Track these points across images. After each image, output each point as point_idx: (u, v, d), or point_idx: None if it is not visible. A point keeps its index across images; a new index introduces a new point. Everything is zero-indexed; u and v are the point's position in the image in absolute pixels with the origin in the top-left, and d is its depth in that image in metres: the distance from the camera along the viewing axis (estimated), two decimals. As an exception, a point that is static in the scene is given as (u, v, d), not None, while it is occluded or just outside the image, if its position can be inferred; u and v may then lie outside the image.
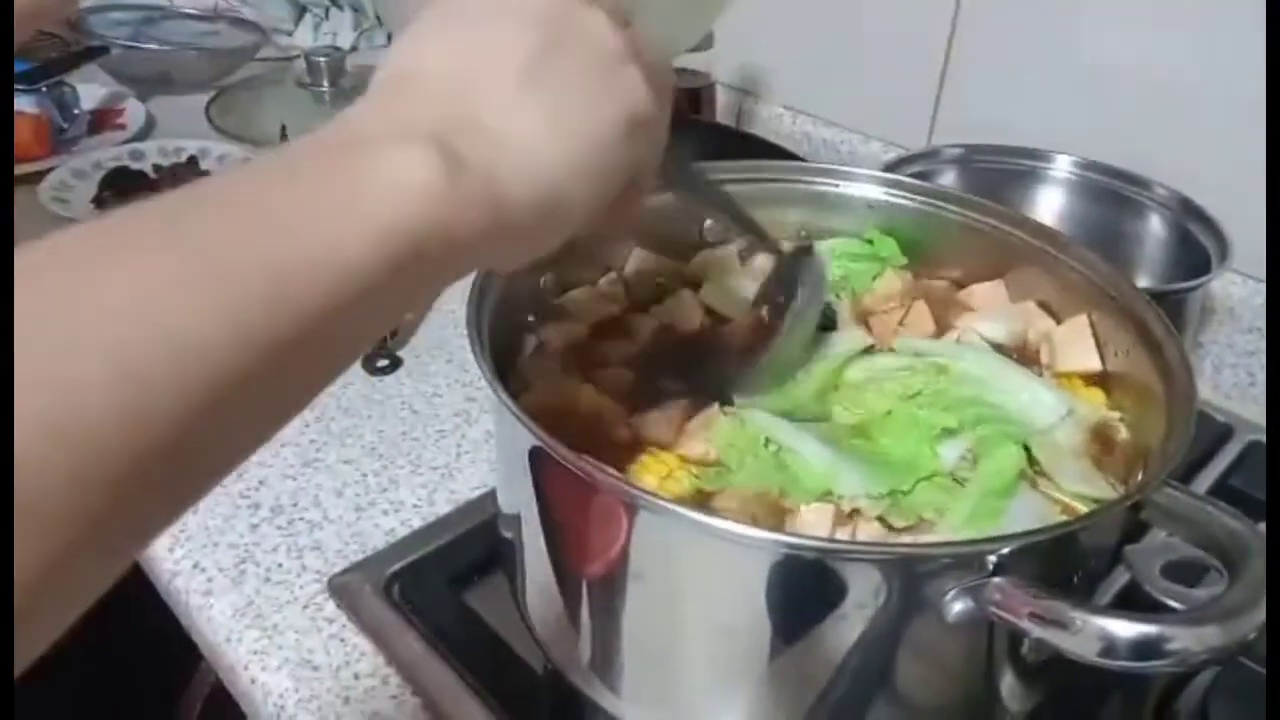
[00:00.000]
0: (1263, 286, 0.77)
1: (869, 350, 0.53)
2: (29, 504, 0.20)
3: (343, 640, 0.55)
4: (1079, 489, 0.43)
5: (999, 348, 0.54)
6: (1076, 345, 0.53)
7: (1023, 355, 0.54)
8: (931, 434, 0.46)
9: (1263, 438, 0.71)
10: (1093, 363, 0.52)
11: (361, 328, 0.29)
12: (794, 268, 0.51)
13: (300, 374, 0.27)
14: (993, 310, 0.57)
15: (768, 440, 0.45)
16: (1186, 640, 0.32)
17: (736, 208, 0.51)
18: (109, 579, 0.24)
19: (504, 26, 0.34)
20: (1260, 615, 0.32)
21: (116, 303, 0.23)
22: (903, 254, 0.60)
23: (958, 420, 0.46)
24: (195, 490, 0.26)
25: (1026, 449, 0.45)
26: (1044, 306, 0.56)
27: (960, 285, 0.60)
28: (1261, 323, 0.77)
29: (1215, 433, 0.72)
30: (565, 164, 0.33)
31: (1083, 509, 0.43)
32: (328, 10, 1.43)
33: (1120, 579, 0.53)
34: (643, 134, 0.36)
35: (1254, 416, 0.74)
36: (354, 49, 1.40)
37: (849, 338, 0.54)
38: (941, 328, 0.56)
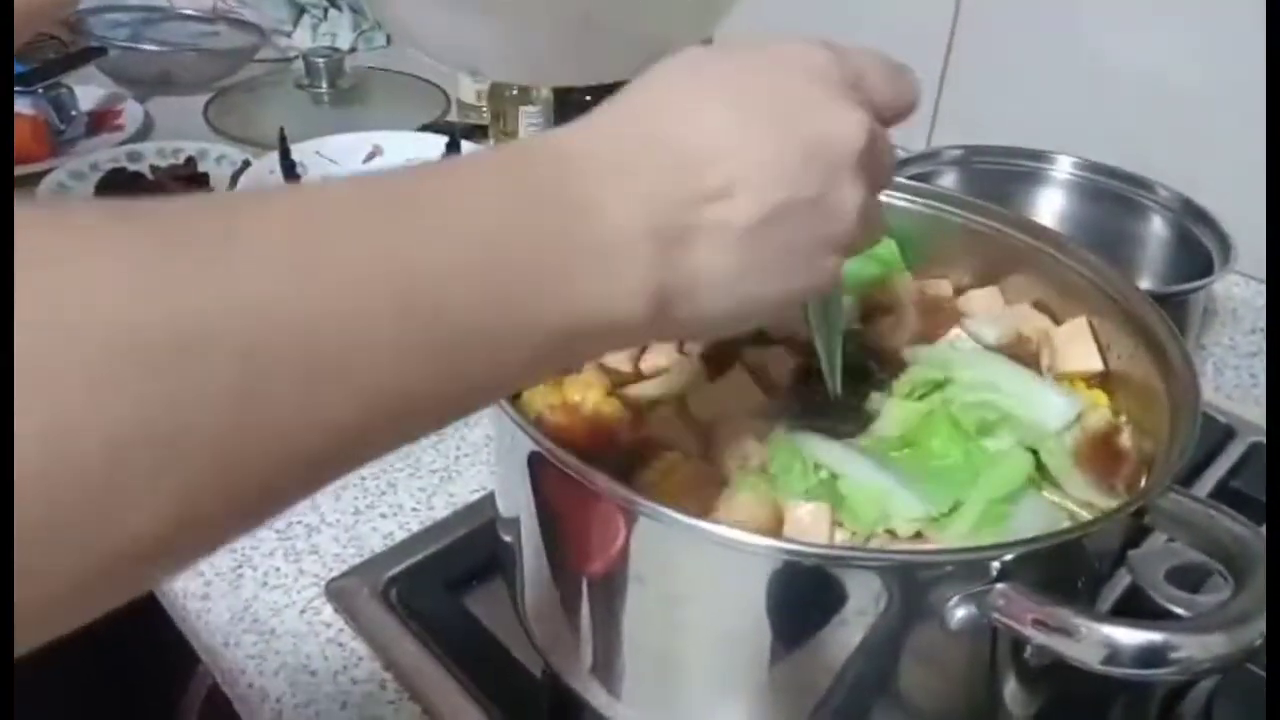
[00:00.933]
0: (1264, 288, 0.76)
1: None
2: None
3: (340, 645, 0.54)
4: (1085, 496, 0.43)
5: (993, 351, 0.54)
6: (1077, 347, 0.53)
7: (1019, 358, 0.54)
8: (974, 431, 0.45)
9: (1265, 439, 0.71)
10: (1094, 363, 0.52)
11: (484, 395, 0.30)
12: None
13: (408, 430, 0.28)
14: (988, 313, 0.56)
15: (817, 465, 0.44)
16: (1192, 648, 0.31)
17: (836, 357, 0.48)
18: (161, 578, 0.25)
19: (777, 136, 0.32)
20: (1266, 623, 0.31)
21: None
22: (902, 256, 0.60)
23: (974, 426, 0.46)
24: (260, 517, 0.25)
25: (1034, 454, 0.45)
26: (1044, 309, 0.56)
27: (959, 288, 0.59)
28: (1264, 323, 0.76)
29: (1217, 434, 0.71)
30: (735, 313, 0.33)
31: (1088, 515, 0.42)
32: (326, 11, 1.42)
33: (1122, 582, 0.53)
34: (811, 299, 0.36)
35: (1256, 418, 0.74)
36: (353, 50, 1.39)
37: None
38: (937, 332, 0.56)
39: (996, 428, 0.46)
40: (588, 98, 1.10)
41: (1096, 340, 0.52)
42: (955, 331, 0.55)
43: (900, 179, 0.61)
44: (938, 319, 0.56)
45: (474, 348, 0.26)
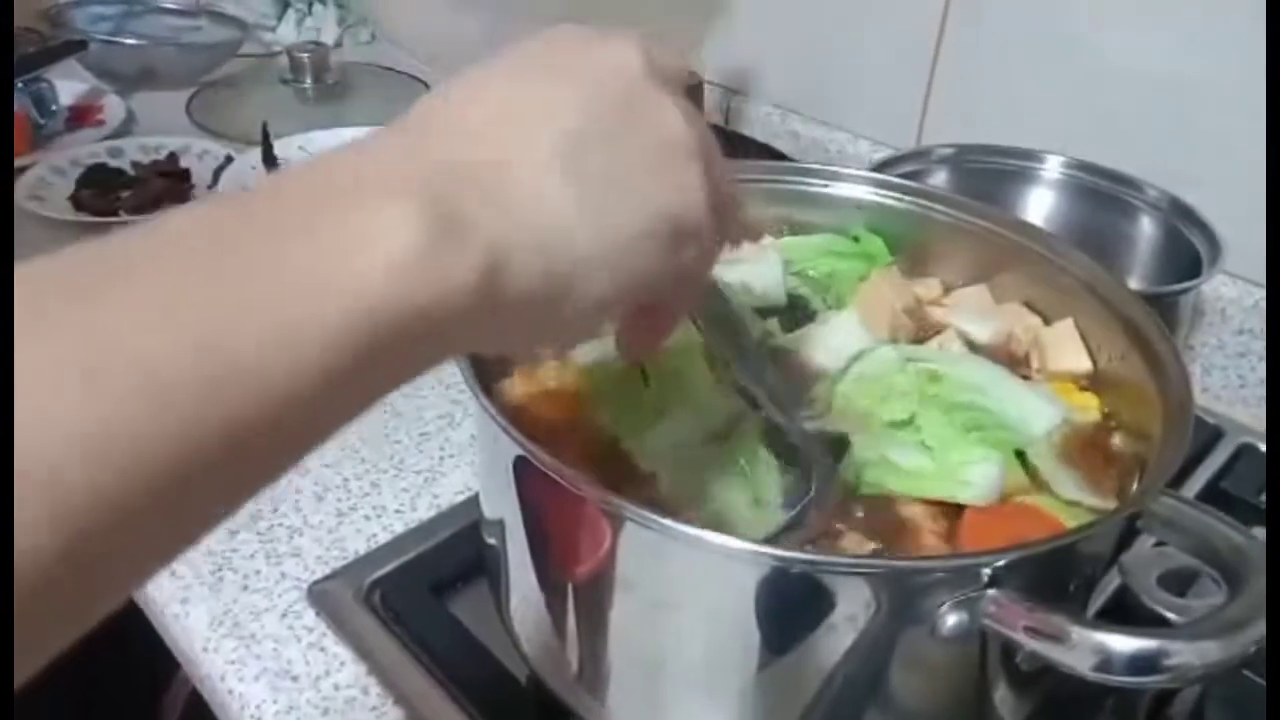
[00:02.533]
0: (1253, 288, 0.76)
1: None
2: None
3: (322, 649, 0.54)
4: (1075, 498, 0.42)
5: (982, 349, 0.53)
6: (1066, 348, 0.52)
7: (1008, 357, 0.53)
8: (966, 428, 0.45)
9: (1253, 440, 0.71)
10: (1083, 364, 0.51)
11: (303, 431, 0.24)
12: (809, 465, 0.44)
13: (214, 493, 0.23)
14: (976, 313, 0.56)
15: None
16: (1186, 655, 0.31)
17: (769, 382, 0.45)
18: None
19: (565, 85, 0.30)
20: (1261, 629, 0.31)
21: None
22: (891, 254, 0.59)
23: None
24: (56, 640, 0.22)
25: (1022, 457, 0.44)
26: (1034, 309, 0.56)
27: (949, 287, 0.59)
28: (1252, 324, 0.76)
29: (1205, 435, 0.71)
30: (586, 253, 0.28)
31: (1082, 518, 0.42)
32: (311, 6, 1.41)
33: (1112, 582, 0.53)
34: (688, 246, 0.31)
35: (1244, 419, 0.74)
36: (338, 45, 1.38)
37: (847, 331, 0.53)
38: (926, 331, 0.55)
39: (984, 428, 0.46)
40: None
41: (1085, 341, 0.52)
42: (943, 334, 0.54)
43: (890, 177, 0.60)
44: (927, 317, 0.56)
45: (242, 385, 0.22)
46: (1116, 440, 0.47)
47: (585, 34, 0.32)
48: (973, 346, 0.54)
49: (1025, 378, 0.52)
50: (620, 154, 0.29)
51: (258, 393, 0.22)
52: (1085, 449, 0.46)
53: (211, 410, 0.22)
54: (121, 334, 0.21)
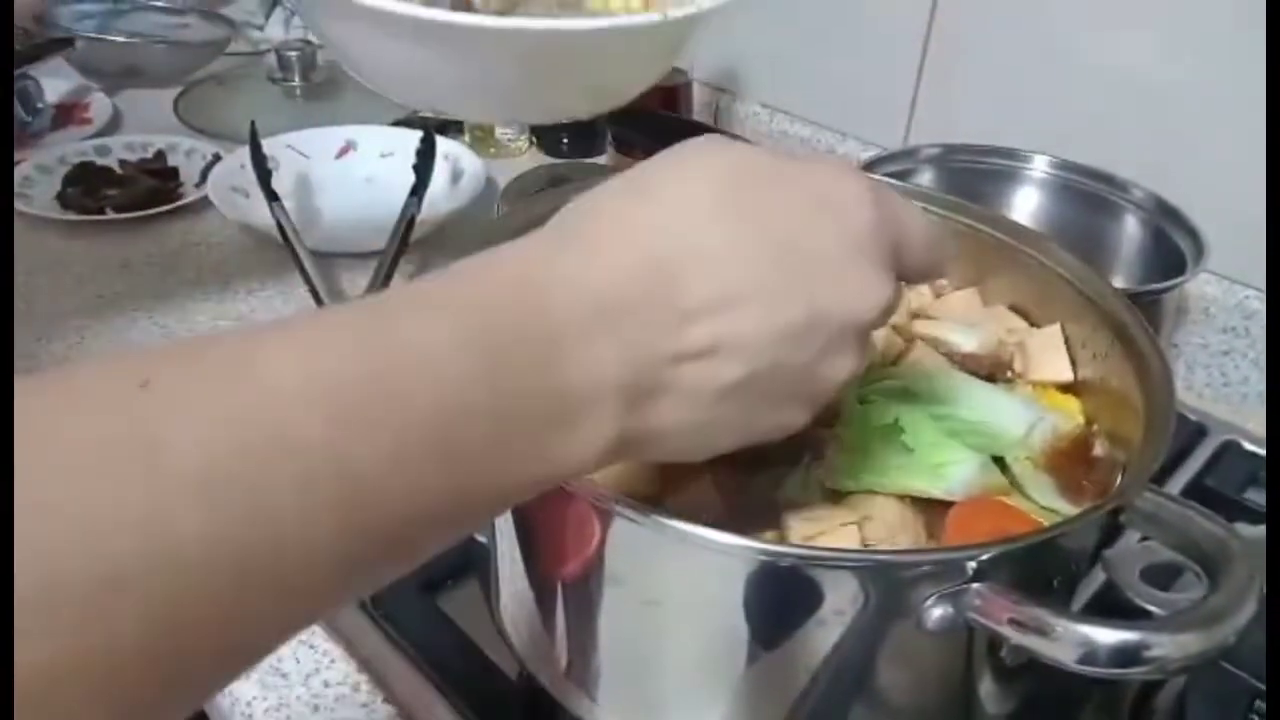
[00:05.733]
0: (1237, 287, 0.77)
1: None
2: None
3: (312, 646, 0.54)
4: (1051, 503, 0.43)
5: (970, 359, 0.54)
6: (1049, 356, 0.53)
7: (994, 365, 0.54)
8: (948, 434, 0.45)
9: (1236, 437, 0.71)
10: (1065, 374, 0.52)
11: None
12: None
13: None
14: (964, 321, 0.56)
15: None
16: (1167, 647, 0.31)
17: None
18: None
19: (787, 297, 0.29)
20: (1240, 621, 0.31)
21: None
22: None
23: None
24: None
25: (1001, 462, 0.45)
26: (1020, 309, 0.56)
27: (938, 291, 0.59)
28: (1236, 323, 0.77)
29: (1188, 433, 0.72)
30: (685, 455, 0.32)
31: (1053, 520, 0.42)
32: (299, 4, 1.41)
33: (1097, 579, 0.53)
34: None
35: (1227, 416, 0.75)
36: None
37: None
38: (911, 346, 0.55)
39: (962, 435, 0.46)
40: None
41: (1069, 347, 0.52)
42: (917, 350, 0.54)
43: (879, 177, 0.61)
44: (912, 337, 0.56)
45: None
46: (1097, 447, 0.48)
47: (853, 239, 0.31)
48: (960, 357, 0.54)
49: (1010, 381, 0.52)
50: (772, 392, 0.31)
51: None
52: (1065, 455, 0.47)
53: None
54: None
